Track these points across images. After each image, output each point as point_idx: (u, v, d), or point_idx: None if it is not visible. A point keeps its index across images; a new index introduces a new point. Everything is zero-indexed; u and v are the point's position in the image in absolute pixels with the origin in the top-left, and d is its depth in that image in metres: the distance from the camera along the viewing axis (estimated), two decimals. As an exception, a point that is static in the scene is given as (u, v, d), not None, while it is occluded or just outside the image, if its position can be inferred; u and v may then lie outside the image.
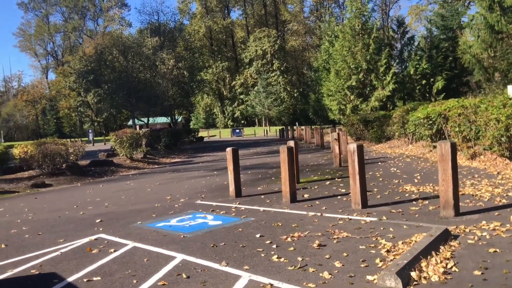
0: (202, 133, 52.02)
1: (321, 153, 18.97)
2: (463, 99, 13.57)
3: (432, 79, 32.27)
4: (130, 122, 45.39)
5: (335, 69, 31.79)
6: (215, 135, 56.17)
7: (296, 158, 10.09)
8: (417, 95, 33.17)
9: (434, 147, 14.36)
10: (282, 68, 68.52)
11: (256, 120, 73.74)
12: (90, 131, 51.87)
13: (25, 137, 77.35)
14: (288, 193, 8.06)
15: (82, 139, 49.04)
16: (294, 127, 39.21)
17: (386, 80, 29.71)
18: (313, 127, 36.52)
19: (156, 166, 19.35)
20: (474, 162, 11.06)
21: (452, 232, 5.11)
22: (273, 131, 52.87)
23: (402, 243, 4.84)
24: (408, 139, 17.48)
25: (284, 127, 41.43)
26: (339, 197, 8.27)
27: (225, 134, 56.28)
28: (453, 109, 12.44)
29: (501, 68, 23.53)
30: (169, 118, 41.61)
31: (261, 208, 7.72)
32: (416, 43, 34.08)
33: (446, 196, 5.92)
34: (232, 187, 9.27)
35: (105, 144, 44.75)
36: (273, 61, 68.72)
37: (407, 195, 7.88)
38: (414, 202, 7.16)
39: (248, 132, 55.88)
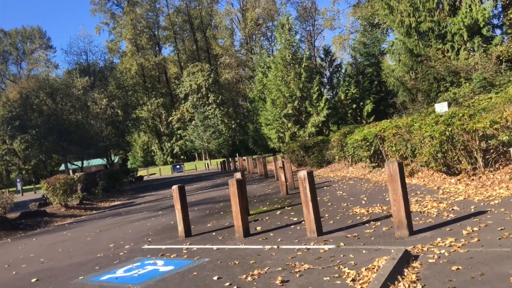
0: (142, 172, 50.34)
1: (266, 182, 18.93)
2: (396, 120, 14.26)
3: (361, 103, 33.94)
4: (63, 167, 42.88)
5: (270, 98, 32.44)
6: (155, 173, 54.59)
7: (244, 190, 9.88)
8: (349, 119, 34.64)
9: (374, 167, 14.86)
10: (218, 101, 68.89)
11: (196, 155, 72.91)
12: (18, 180, 48.20)
13: None
14: (241, 227, 7.79)
15: (10, 189, 45.44)
16: (236, 158, 39.16)
17: (320, 106, 30.73)
18: (254, 156, 36.69)
19: (95, 212, 18.20)
20: (413, 179, 11.50)
21: (411, 253, 5.12)
22: (214, 164, 52.44)
23: (366, 269, 4.75)
24: (348, 161, 17.98)
25: (225, 159, 41.24)
26: (292, 226, 8.13)
27: (166, 171, 54.88)
28: (388, 130, 12.99)
29: (423, 89, 25.23)
30: (105, 159, 39.87)
31: (214, 247, 7.36)
32: (343, 70, 35.89)
33: (399, 216, 5.98)
34: (181, 227, 8.83)
35: (35, 193, 41.74)
36: (209, 95, 68.98)
37: (358, 217, 7.92)
38: (367, 225, 7.19)
39: (189, 167, 54.96)
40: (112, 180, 27.08)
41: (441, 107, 13.21)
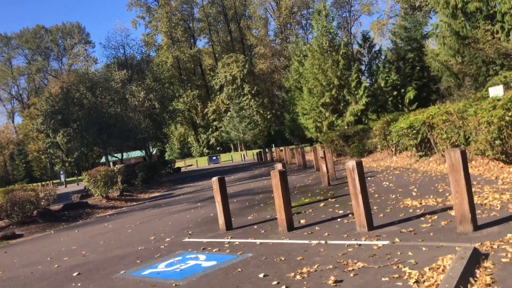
0: (179, 164, 50.88)
1: (306, 173, 18.45)
2: (445, 106, 13.39)
3: (402, 90, 32.55)
4: (103, 160, 43.99)
5: (307, 87, 31.75)
6: (192, 164, 55.13)
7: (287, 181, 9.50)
8: (390, 107, 33.36)
9: (420, 156, 14.09)
10: (253, 92, 68.57)
11: (232, 146, 73.13)
12: (61, 172, 49.92)
13: (-7, 185, 73.97)
14: (285, 220, 7.42)
15: (54, 181, 47.24)
16: (272, 149, 38.74)
17: (358, 94, 29.79)
18: (291, 147, 36.17)
19: (135, 203, 18.36)
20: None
21: (480, 251, 4.57)
22: (250, 155, 52.32)
23: (430, 269, 4.26)
24: (392, 150, 17.21)
25: (261, 150, 40.96)
26: (338, 219, 7.67)
27: (202, 163, 55.31)
28: (437, 117, 12.20)
29: (470, 73, 23.87)
30: (144, 151, 40.50)
31: (258, 241, 7.03)
32: (383, 57, 34.53)
33: (461, 209, 5.41)
34: (222, 220, 8.56)
35: (78, 184, 43.05)
36: (244, 85, 68.73)
37: (411, 210, 7.37)
38: (422, 219, 6.63)
39: (225, 158, 55.11)
40: (151, 171, 27.38)
41: (496, 91, 12.26)
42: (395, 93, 32.37)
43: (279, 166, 9.66)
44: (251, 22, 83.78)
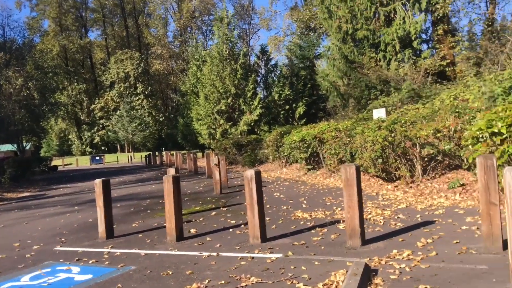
0: (56, 162, 46.45)
1: (197, 180, 18.00)
2: (334, 123, 14.11)
3: (294, 105, 34.06)
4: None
5: (204, 93, 31.46)
6: (72, 164, 50.77)
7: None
8: (281, 120, 34.63)
9: (309, 169, 14.63)
10: (146, 92, 66.07)
11: (119, 146, 69.37)
12: None
13: None
14: (174, 229, 6.91)
15: None
16: (162, 152, 37.47)
17: (253, 104, 30.34)
18: (182, 152, 35.35)
19: (0, 203, 16.06)
20: (350, 183, 11.33)
21: (370, 267, 4.64)
22: (138, 158, 50.05)
23: (323, 285, 4.17)
24: (282, 162, 17.66)
25: (150, 153, 39.38)
26: (231, 230, 7.40)
27: (83, 162, 51.31)
28: (327, 132, 12.77)
29: (355, 95, 25.83)
30: (16, 145, 36.11)
31: (142, 252, 6.42)
32: (278, 71, 35.84)
33: (352, 224, 5.51)
34: (102, 226, 7.71)
35: None
36: (137, 84, 65.86)
37: (302, 222, 7.41)
38: (313, 231, 6.68)
39: (110, 159, 51.89)
40: (22, 168, 24.37)
41: (379, 113, 13.29)
42: (287, 107, 33.73)
43: (171, 170, 9.13)
44: (150, 20, 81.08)
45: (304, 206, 9.05)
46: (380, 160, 9.74)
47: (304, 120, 32.81)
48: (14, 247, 7.73)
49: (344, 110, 28.30)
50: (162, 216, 9.60)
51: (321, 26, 34.92)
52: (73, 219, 10.53)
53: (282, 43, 61.71)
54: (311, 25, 40.78)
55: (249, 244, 6.22)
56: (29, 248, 7.53)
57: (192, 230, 7.60)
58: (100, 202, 7.75)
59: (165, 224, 7.85)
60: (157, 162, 34.58)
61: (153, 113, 65.40)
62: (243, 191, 7.23)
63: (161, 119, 66.37)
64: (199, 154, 37.31)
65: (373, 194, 9.63)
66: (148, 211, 10.58)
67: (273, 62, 36.38)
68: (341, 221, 7.03)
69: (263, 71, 35.12)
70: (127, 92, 64.37)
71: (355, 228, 5.50)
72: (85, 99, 71.73)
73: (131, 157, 50.04)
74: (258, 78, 34.33)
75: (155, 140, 62.25)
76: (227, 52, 30.91)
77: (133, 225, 8.86)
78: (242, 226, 7.48)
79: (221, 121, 30.45)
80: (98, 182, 7.79)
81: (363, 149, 10.31)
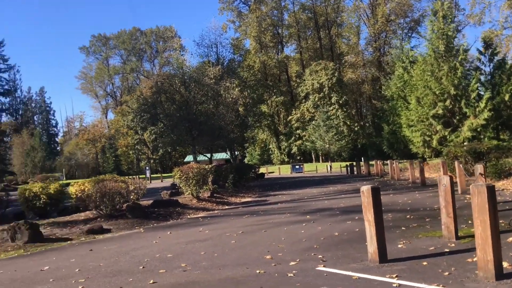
0: (261, 170, 49.30)
1: (433, 193, 15.36)
2: None
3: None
4: (188, 158, 43.58)
5: (415, 96, 28.32)
6: (274, 171, 53.22)
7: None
8: (513, 125, 28.72)
9: None
10: (340, 102, 65.29)
11: (313, 156, 70.23)
12: (147, 168, 50.63)
13: (85, 175, 78.27)
14: (491, 262, 4.83)
15: (140, 176, 47.96)
16: (371, 162, 35.27)
17: (479, 107, 25.81)
18: (390, 161, 32.64)
19: (227, 207, 16.55)
20: None
21: None
22: (336, 167, 49.17)
23: None
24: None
25: (353, 162, 37.79)
26: None
27: (284, 171, 53.18)
28: None
29: None
30: (229, 153, 39.27)
31: (451, 291, 4.54)
32: (508, 66, 29.91)
33: None
34: (373, 246, 6.15)
35: (162, 181, 43.06)
36: (331, 95, 65.68)
37: None
38: None
39: (308, 168, 52.48)
40: (239, 174, 25.72)
41: None
42: (522, 108, 27.79)
43: (446, 179, 7.04)
44: (342, 30, 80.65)
45: None
46: None
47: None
48: (268, 260, 6.85)
49: None
50: (428, 236, 7.68)
51: None
52: (313, 230, 9.44)
53: (499, 37, 53.01)
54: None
55: None
56: (285, 263, 6.52)
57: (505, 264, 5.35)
58: (369, 216, 6.22)
59: (446, 250, 5.89)
60: (363, 171, 32.70)
61: (348, 122, 64.11)
62: None
63: (356, 128, 64.58)
64: (406, 164, 33.95)
65: None
66: (403, 228, 8.70)
67: (497, 57, 30.50)
68: None
69: (487, 68, 29.84)
70: (322, 103, 64.70)
71: None
72: (282, 110, 75.23)
73: (330, 166, 49.52)
74: (482, 77, 29.29)
75: (350, 150, 60.76)
76: (444, 48, 27.17)
77: (399, 245, 7.09)
78: None
79: (438, 127, 26.80)
80: (365, 190, 6.28)
81: None
